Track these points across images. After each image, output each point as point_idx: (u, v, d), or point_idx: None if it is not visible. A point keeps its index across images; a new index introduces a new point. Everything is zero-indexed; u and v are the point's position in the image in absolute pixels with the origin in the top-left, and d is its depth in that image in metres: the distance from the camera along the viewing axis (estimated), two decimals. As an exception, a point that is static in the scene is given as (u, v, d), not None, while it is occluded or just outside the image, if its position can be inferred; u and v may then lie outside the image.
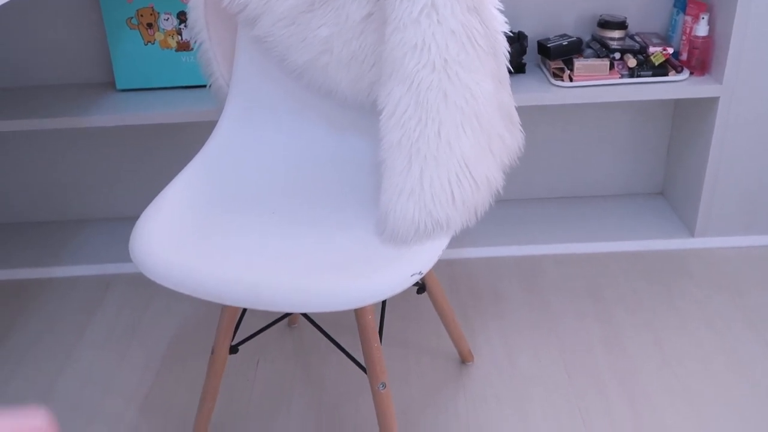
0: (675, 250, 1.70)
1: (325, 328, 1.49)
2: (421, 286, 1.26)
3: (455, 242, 1.73)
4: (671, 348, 1.41)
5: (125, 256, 1.75)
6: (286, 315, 1.14)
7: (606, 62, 1.57)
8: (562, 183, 1.88)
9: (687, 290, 1.57)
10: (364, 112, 1.20)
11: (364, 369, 1.08)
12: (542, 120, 1.80)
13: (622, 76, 1.57)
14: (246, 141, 1.19)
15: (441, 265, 1.69)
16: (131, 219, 1.91)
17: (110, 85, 1.73)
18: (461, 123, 0.98)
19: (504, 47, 1.04)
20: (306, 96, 1.21)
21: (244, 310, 1.19)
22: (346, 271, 0.92)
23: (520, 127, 1.12)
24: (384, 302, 1.13)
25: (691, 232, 1.72)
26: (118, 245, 1.80)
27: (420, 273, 0.91)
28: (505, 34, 1.01)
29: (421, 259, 0.93)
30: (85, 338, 1.52)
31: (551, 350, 1.42)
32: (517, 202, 1.89)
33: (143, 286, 1.68)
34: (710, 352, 1.40)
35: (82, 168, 1.85)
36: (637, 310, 1.51)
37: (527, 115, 1.80)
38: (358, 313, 1.00)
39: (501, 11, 1.01)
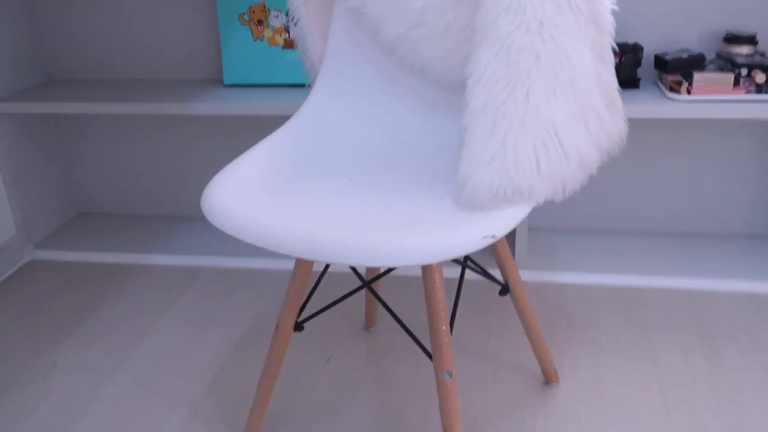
0: (804, 293, 1.52)
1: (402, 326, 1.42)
2: (504, 287, 1.18)
3: (546, 264, 1.63)
4: (792, 392, 1.24)
5: (215, 249, 1.77)
6: (357, 289, 1.09)
7: (730, 76, 1.45)
8: (673, 216, 1.74)
9: (816, 335, 1.39)
10: (454, 91, 1.15)
11: (429, 355, 1.00)
12: (656, 143, 1.68)
13: (749, 92, 1.45)
14: (332, 114, 1.17)
15: (530, 287, 1.59)
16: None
17: (218, 81, 1.79)
18: (553, 88, 0.92)
19: (609, 21, 0.97)
20: (397, 73, 1.19)
21: (314, 288, 1.15)
22: (414, 228, 0.86)
23: (624, 115, 1.04)
24: (457, 296, 1.06)
25: (824, 275, 1.53)
26: (209, 238, 1.83)
27: (493, 236, 0.84)
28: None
29: (496, 222, 0.86)
30: (164, 320, 1.53)
31: (647, 382, 1.28)
32: (620, 233, 1.77)
33: (229, 277, 1.68)
34: (840, 401, 1.21)
35: (183, 166, 1.91)
36: (752, 353, 1.35)
37: (639, 135, 1.69)
38: (426, 272, 0.94)
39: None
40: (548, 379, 1.28)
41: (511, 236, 1.67)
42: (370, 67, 1.19)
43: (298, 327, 1.11)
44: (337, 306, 1.55)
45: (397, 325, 1.47)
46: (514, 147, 0.90)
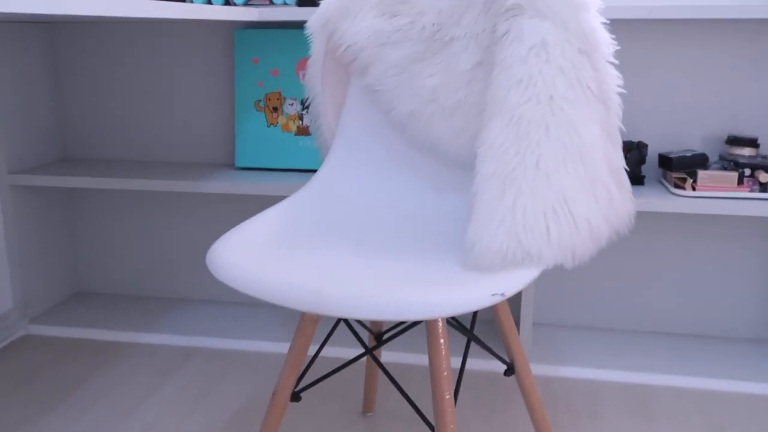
0: (816, 398, 1.48)
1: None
2: (509, 367, 1.15)
3: (552, 358, 1.60)
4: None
5: (211, 330, 1.74)
6: (358, 358, 1.07)
7: (734, 175, 1.48)
8: (679, 315, 1.72)
9: (831, 440, 1.34)
10: (463, 172, 1.18)
11: (431, 427, 0.97)
12: (661, 241, 1.70)
13: (753, 191, 1.48)
14: (343, 184, 1.19)
15: (536, 380, 1.55)
16: (225, 303, 1.93)
17: (231, 165, 1.83)
18: (563, 158, 0.94)
19: (617, 103, 1.01)
20: (407, 152, 1.22)
21: (314, 357, 1.12)
22: (422, 284, 0.86)
23: (632, 195, 1.06)
24: (461, 369, 1.03)
25: (836, 381, 1.50)
26: (205, 319, 1.81)
27: (502, 295, 0.83)
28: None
29: (505, 282, 0.85)
30: (155, 398, 1.48)
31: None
32: (625, 331, 1.75)
33: (223, 358, 1.65)
34: None
35: (189, 247, 1.92)
36: (768, 454, 1.30)
37: (644, 232, 1.70)
38: (431, 332, 0.92)
39: (615, 65, 1.00)
40: (553, 471, 1.22)
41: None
42: (382, 144, 1.22)
43: (295, 397, 1.08)
44: (333, 389, 1.51)
45: (398, 413, 1.42)
46: (524, 212, 0.91)
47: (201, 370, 1.60)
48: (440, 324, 0.93)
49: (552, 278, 1.76)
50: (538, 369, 1.58)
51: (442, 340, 0.93)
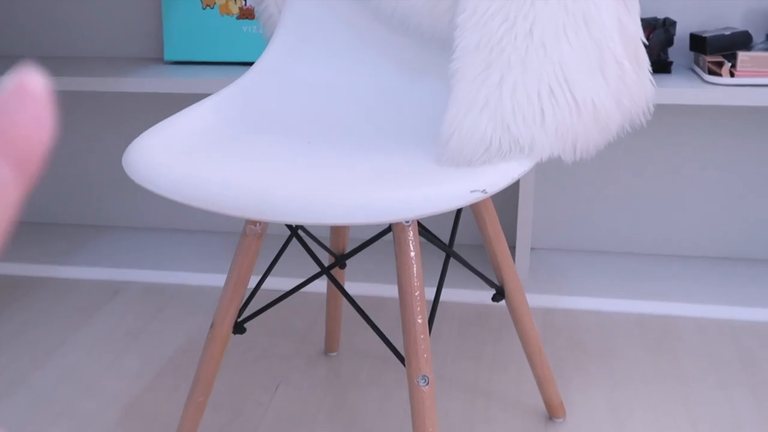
0: None
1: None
2: (499, 291, 1.14)
3: (553, 287, 1.59)
4: None
5: (142, 263, 1.72)
6: (310, 280, 1.04)
7: (778, 58, 1.45)
8: (708, 234, 1.71)
9: None
10: (443, 51, 1.13)
11: (402, 359, 0.95)
12: (688, 143, 1.67)
13: (800, 78, 1.45)
14: (291, 72, 1.14)
15: (533, 313, 1.55)
16: (159, 230, 1.90)
17: (158, 59, 1.77)
18: (563, 24, 0.90)
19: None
20: (372, 29, 1.17)
21: (260, 283, 1.10)
22: (386, 182, 0.82)
23: (650, 75, 1.02)
24: (438, 290, 1.02)
25: None
26: (135, 252, 1.78)
27: (484, 191, 0.80)
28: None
29: (488, 176, 0.82)
30: (76, 338, 1.46)
31: (679, 422, 1.23)
32: (641, 255, 1.74)
33: (156, 294, 1.63)
34: None
35: (106, 163, 1.87)
36: (807, 390, 1.31)
37: (666, 132, 1.68)
38: (399, 240, 0.89)
39: None
40: (552, 413, 1.23)
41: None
42: (340, 20, 1.17)
43: (239, 328, 1.06)
44: (290, 327, 1.50)
45: (365, 352, 1.42)
46: (513, 91, 0.88)
47: (131, 308, 1.58)
48: (410, 232, 0.90)
49: (552, 192, 1.74)
50: (536, 300, 1.57)
51: (412, 253, 0.90)
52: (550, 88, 0.88)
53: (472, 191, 0.80)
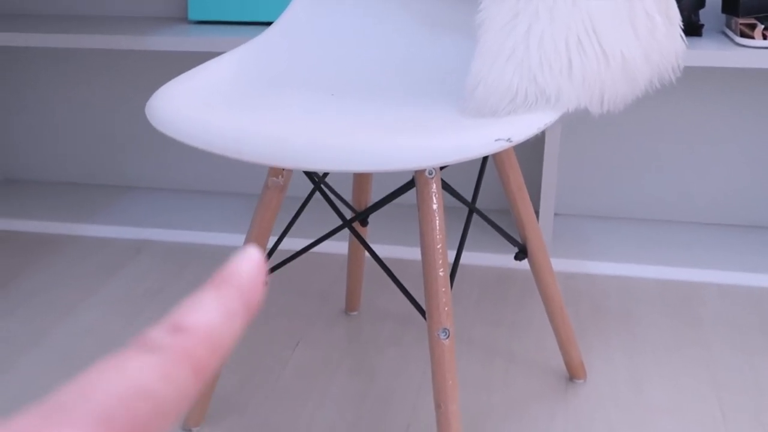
0: None
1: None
2: (521, 249, 1.13)
3: (577, 252, 1.58)
4: None
5: (164, 223, 1.72)
6: (332, 233, 1.04)
7: (811, 21, 1.42)
8: (733, 204, 1.69)
9: None
10: (469, 4, 1.12)
11: (422, 311, 0.95)
12: (716, 109, 1.64)
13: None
14: (313, 30, 1.13)
15: (559, 277, 1.54)
16: (182, 191, 1.90)
17: (183, 19, 1.76)
18: (592, -27, 0.88)
19: None
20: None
21: (279, 239, 1.10)
22: (410, 131, 0.81)
23: (681, 30, 1.00)
24: (461, 244, 1.00)
25: None
26: (158, 212, 1.78)
27: (509, 140, 0.79)
28: None
29: (513, 126, 0.81)
30: (97, 296, 1.47)
31: (700, 386, 1.22)
32: (667, 222, 1.72)
33: (179, 253, 1.63)
34: None
35: (129, 123, 1.87)
36: (832, 358, 1.29)
37: (694, 98, 1.65)
38: (421, 191, 0.88)
39: None
40: (573, 374, 1.22)
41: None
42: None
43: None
44: (310, 285, 1.49)
45: (387, 312, 1.41)
46: (540, 41, 0.86)
47: (152, 267, 1.59)
48: (433, 185, 0.89)
49: (576, 158, 1.72)
50: (558, 264, 1.56)
51: (435, 205, 0.89)
52: (578, 38, 0.87)
53: (496, 140, 0.79)
